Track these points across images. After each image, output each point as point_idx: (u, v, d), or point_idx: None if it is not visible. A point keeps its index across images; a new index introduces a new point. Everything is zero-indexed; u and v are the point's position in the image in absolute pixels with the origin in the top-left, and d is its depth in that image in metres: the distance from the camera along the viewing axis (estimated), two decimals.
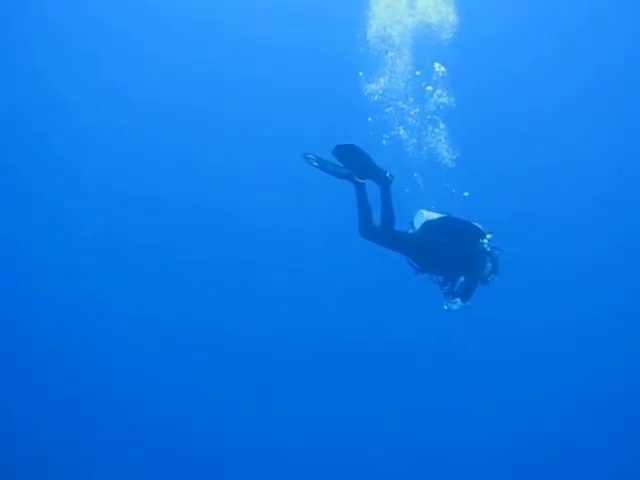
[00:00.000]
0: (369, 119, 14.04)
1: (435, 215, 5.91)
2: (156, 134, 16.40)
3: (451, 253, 5.76)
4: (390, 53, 11.37)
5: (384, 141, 13.92)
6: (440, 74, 12.08)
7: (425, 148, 12.46)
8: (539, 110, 15.63)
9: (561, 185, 15.86)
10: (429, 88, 12.06)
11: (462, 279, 5.72)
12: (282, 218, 15.82)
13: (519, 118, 15.58)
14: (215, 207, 16.31)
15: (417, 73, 11.93)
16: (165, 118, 16.43)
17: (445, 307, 5.71)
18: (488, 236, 5.81)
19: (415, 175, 13.01)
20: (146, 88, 16.29)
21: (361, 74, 12.04)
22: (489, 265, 5.75)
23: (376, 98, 12.85)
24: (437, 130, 12.51)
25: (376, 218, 5.99)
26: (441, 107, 12.51)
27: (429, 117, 12.26)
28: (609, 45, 15.14)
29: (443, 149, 12.39)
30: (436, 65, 12.44)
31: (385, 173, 5.80)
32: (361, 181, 5.93)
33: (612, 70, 15.39)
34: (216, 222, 16.17)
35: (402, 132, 13.35)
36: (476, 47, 14.52)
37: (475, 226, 5.82)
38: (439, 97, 12.24)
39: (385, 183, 5.80)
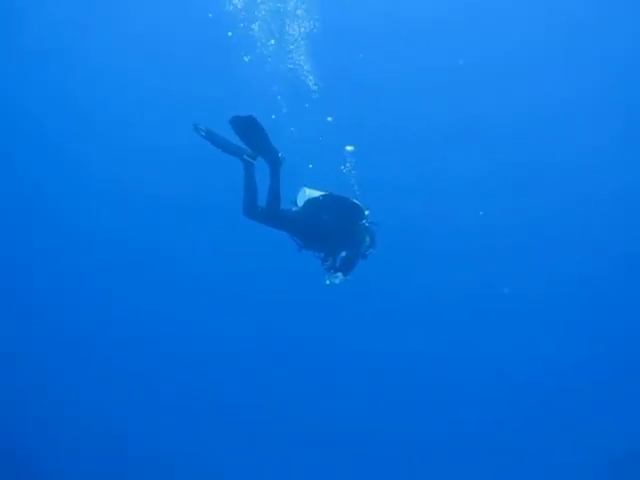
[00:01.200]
0: (229, 33, 13.20)
1: (317, 193, 6.02)
2: None
3: (333, 229, 5.99)
4: None
5: (246, 58, 13.32)
6: None
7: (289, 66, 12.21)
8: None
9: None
10: None
11: (343, 254, 6.00)
12: None
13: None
14: None
15: None
16: None
17: (327, 282, 6.01)
18: (366, 212, 6.09)
19: (279, 97, 12.80)
20: None
21: None
22: (368, 239, 6.10)
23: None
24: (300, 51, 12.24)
25: (260, 198, 5.98)
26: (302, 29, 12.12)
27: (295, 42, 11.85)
28: None
29: (307, 73, 12.22)
30: None
31: (278, 153, 5.76)
32: (251, 160, 5.82)
33: None
34: None
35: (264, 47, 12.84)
36: None
37: (355, 203, 6.04)
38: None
39: (276, 163, 5.77)
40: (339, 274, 5.94)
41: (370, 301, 14.62)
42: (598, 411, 14.48)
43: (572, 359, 15.46)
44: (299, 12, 11.88)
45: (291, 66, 12.06)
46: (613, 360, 15.18)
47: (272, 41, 12.21)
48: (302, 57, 12.03)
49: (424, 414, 14.84)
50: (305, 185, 6.09)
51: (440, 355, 15.71)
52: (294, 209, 6.06)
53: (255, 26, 11.96)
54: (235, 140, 5.96)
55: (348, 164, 10.01)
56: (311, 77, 12.08)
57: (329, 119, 12.47)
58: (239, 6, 11.80)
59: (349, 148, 9.75)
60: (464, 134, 15.80)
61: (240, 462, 13.64)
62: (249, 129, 5.64)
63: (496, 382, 15.26)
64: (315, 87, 12.04)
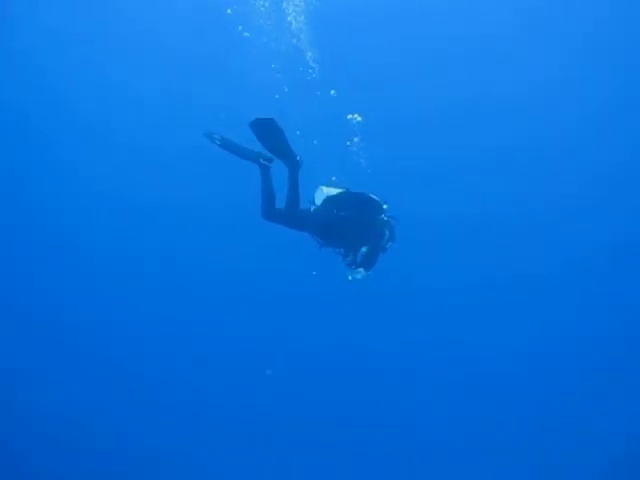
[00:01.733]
0: (228, 10, 12.96)
1: (334, 190, 6.03)
2: None
3: (352, 225, 6.02)
4: None
5: (246, 34, 13.15)
6: None
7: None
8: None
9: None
10: None
11: (364, 250, 6.04)
12: None
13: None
14: None
15: None
16: None
17: (350, 277, 6.07)
18: (384, 206, 6.09)
19: (278, 75, 12.70)
20: None
21: None
22: (387, 233, 6.12)
23: None
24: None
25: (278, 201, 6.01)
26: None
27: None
28: None
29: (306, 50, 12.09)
30: None
31: (296, 156, 5.78)
32: (268, 164, 5.85)
33: None
34: None
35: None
36: None
37: (372, 198, 6.04)
38: None
39: (295, 166, 5.82)
40: (361, 269, 5.99)
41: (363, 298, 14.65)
42: (598, 411, 14.39)
43: (572, 358, 15.36)
44: None
45: (294, 40, 11.93)
46: (613, 360, 15.04)
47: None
48: (301, 30, 11.90)
49: (420, 415, 14.92)
50: (322, 183, 6.09)
51: (438, 353, 15.63)
52: (312, 208, 6.09)
53: None
54: (248, 144, 5.96)
55: (356, 139, 9.96)
56: (310, 53, 11.93)
57: (332, 92, 12.31)
58: None
59: (356, 118, 9.58)
60: (468, 116, 15.31)
61: (238, 465, 13.79)
62: (269, 132, 5.61)
63: (495, 381, 15.19)
64: (314, 64, 11.94)
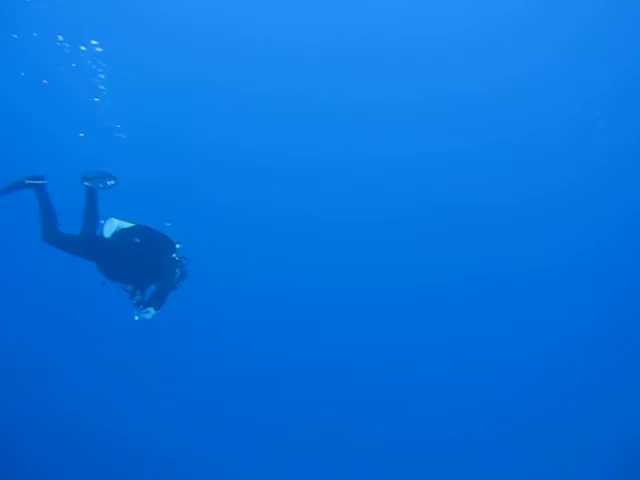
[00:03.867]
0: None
1: (127, 224, 5.87)
2: None
3: (142, 261, 5.83)
4: None
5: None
6: None
7: None
8: None
9: None
10: None
11: (153, 287, 5.84)
12: None
13: None
14: None
15: None
16: None
17: (136, 317, 5.72)
18: (177, 245, 6.10)
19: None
20: None
21: None
22: (178, 272, 6.06)
23: None
24: None
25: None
26: None
27: None
28: None
29: None
30: None
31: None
32: (41, 181, 5.58)
33: None
34: None
35: None
36: None
37: (165, 235, 6.03)
38: None
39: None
40: (150, 309, 5.72)
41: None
42: (598, 411, 14.48)
43: (571, 358, 15.45)
44: None
45: None
46: (613, 360, 15.19)
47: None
48: None
49: (420, 415, 14.67)
50: (114, 216, 5.87)
51: (437, 351, 15.54)
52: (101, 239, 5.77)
53: None
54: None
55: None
56: None
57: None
58: None
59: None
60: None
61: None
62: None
63: (495, 382, 15.14)
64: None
